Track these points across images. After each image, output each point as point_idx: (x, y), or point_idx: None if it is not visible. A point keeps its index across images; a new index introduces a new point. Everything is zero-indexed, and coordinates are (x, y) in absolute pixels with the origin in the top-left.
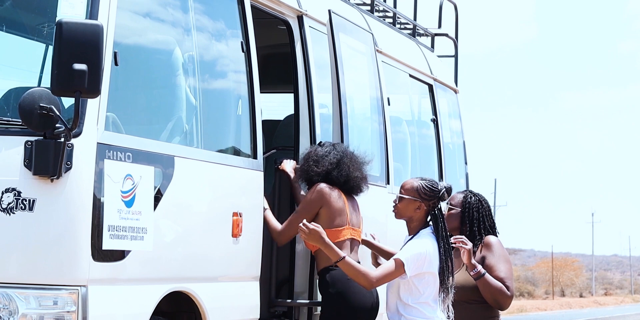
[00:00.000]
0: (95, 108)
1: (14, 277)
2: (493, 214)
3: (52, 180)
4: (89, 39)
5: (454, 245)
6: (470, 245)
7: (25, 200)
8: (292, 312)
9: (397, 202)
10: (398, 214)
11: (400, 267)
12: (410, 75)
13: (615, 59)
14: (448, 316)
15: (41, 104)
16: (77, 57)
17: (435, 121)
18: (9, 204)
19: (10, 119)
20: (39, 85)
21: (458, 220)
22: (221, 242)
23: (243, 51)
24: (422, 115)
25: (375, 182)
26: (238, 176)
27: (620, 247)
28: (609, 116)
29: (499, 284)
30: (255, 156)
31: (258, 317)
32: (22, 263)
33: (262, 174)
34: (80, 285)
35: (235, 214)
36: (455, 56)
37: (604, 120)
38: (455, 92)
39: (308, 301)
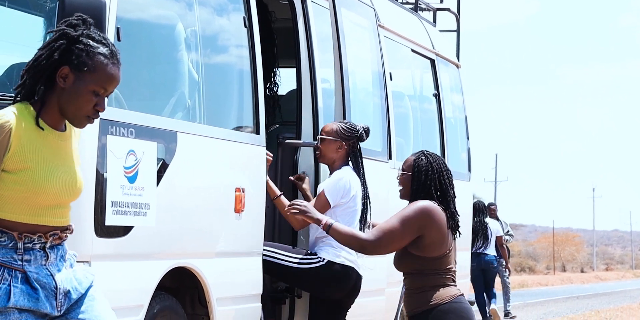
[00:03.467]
0: None
1: None
2: (450, 176)
3: None
4: (91, 14)
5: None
6: (303, 207)
7: None
8: (294, 288)
9: (319, 144)
10: (321, 157)
11: (322, 198)
12: (412, 50)
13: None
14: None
15: None
16: None
17: (437, 96)
18: None
19: (12, 95)
20: None
21: (409, 185)
22: (224, 218)
23: (245, 26)
24: (424, 90)
25: (377, 157)
26: (240, 152)
27: (621, 222)
28: (610, 91)
29: (349, 232)
30: (257, 131)
31: (261, 292)
32: None
33: (264, 149)
34: (83, 261)
35: (237, 190)
36: (457, 31)
37: (605, 95)
38: (457, 67)
39: None
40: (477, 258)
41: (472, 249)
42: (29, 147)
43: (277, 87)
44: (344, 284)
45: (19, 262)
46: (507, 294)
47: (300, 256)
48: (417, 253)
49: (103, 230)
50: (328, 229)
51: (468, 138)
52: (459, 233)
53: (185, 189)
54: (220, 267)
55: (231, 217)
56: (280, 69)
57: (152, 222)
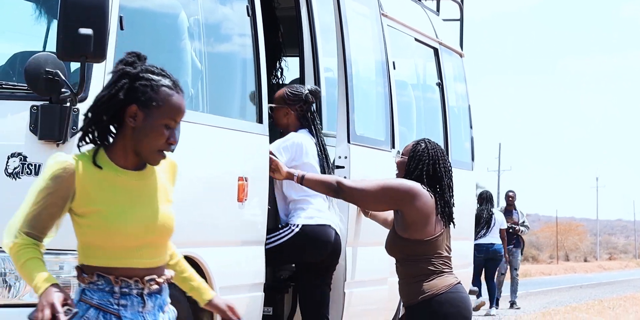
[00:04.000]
0: (101, 73)
1: None
2: (446, 166)
3: (57, 145)
4: (94, 3)
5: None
6: (273, 166)
7: (31, 165)
8: (296, 276)
9: (270, 113)
10: (276, 124)
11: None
12: (416, 39)
13: (617, 24)
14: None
15: (47, 69)
16: (83, 22)
17: (440, 85)
18: (15, 168)
19: (15, 84)
20: (44, 49)
21: (404, 169)
22: (227, 207)
23: (249, 15)
24: (428, 79)
25: (380, 146)
26: (243, 141)
27: (624, 211)
28: (613, 81)
29: (322, 179)
30: (260, 120)
31: (263, 281)
32: None
33: (267, 138)
34: None
35: (240, 179)
36: (461, 20)
37: (607, 84)
38: (461, 56)
39: None
40: (484, 247)
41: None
42: (95, 189)
43: (283, 76)
44: (323, 244)
45: (115, 306)
46: (514, 285)
47: (276, 233)
48: (403, 235)
49: None
50: (302, 180)
51: (471, 127)
52: (454, 223)
53: (187, 178)
54: (223, 256)
55: (234, 206)
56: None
57: None
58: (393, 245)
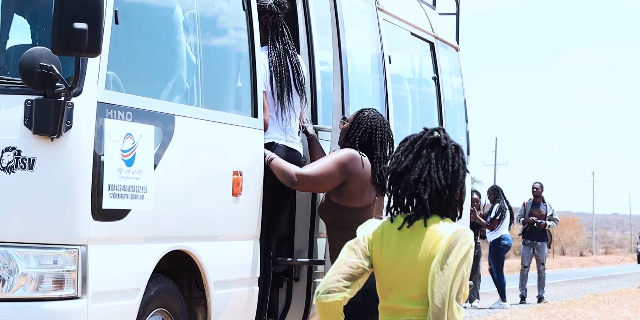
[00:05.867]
0: (95, 67)
1: (13, 236)
2: (384, 136)
3: (52, 140)
4: None
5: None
6: None
7: (25, 159)
8: (292, 271)
9: None
10: None
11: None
12: (412, 33)
13: (615, 17)
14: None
15: (41, 63)
16: (78, 16)
17: (436, 79)
18: (9, 163)
19: (10, 78)
20: (38, 44)
21: (344, 133)
22: (221, 201)
23: (244, 9)
24: (423, 73)
25: None
26: (238, 135)
27: (620, 205)
28: (610, 74)
29: (286, 165)
30: (255, 115)
31: (258, 275)
32: (22, 222)
33: (262, 132)
34: (80, 245)
35: (235, 173)
36: (457, 14)
37: (605, 78)
38: (457, 50)
39: (308, 260)
40: (499, 239)
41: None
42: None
43: None
44: None
45: None
46: (541, 280)
47: None
48: (337, 201)
49: (100, 213)
50: (269, 162)
51: (467, 121)
52: (386, 193)
53: (182, 172)
54: (218, 250)
55: (229, 201)
56: None
57: (150, 206)
58: (326, 210)
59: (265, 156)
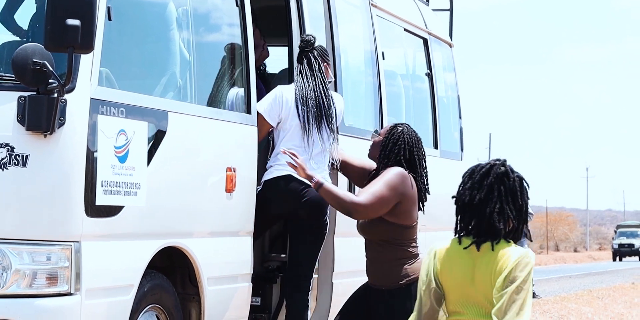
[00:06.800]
0: (88, 63)
1: (7, 233)
2: (418, 151)
3: (45, 136)
4: None
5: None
6: (301, 158)
7: (19, 156)
8: (285, 267)
9: None
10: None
11: (261, 119)
12: (405, 29)
13: (610, 14)
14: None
15: (34, 60)
16: (71, 13)
17: (429, 75)
18: (2, 159)
19: (3, 74)
20: (31, 40)
21: (378, 149)
22: (215, 197)
23: (237, 5)
24: (417, 69)
25: (369, 136)
26: (232, 131)
27: (614, 201)
28: (605, 71)
29: (340, 192)
30: (249, 111)
31: (251, 271)
32: (15, 219)
33: (256, 129)
34: (73, 241)
35: (229, 169)
36: (450, 10)
37: (599, 75)
38: (450, 46)
39: None
40: None
41: None
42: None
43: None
44: (282, 194)
45: None
46: None
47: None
48: (393, 220)
49: (93, 209)
50: (318, 187)
51: (460, 117)
52: (424, 209)
53: (176, 168)
54: (211, 246)
55: (222, 197)
56: (272, 48)
57: (143, 202)
58: (377, 229)
59: (312, 179)
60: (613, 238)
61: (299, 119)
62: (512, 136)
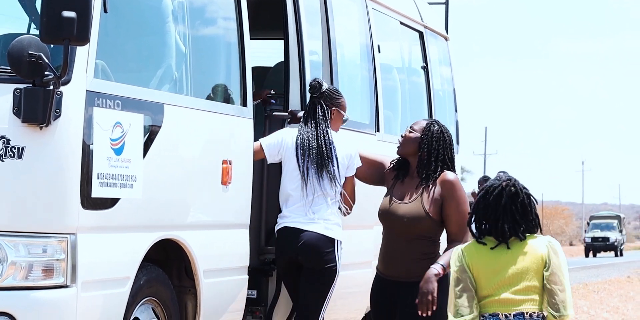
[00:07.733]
0: (84, 56)
1: (2, 225)
2: (454, 150)
3: (41, 128)
4: None
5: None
6: (429, 296)
7: (14, 148)
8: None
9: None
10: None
11: (260, 150)
12: (401, 23)
13: (606, 7)
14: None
15: (30, 52)
16: (66, 5)
17: (425, 68)
18: None
19: None
20: (27, 32)
21: (416, 145)
22: (211, 190)
23: None
24: (413, 62)
25: (365, 129)
26: (228, 124)
27: (610, 195)
28: (600, 65)
29: (448, 254)
30: (245, 104)
31: (247, 264)
32: (11, 211)
33: (252, 121)
34: (69, 233)
35: (225, 162)
36: (446, 3)
37: (595, 68)
38: (446, 39)
39: None
40: None
41: None
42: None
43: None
44: (279, 245)
45: None
46: None
47: None
48: (435, 216)
49: (89, 202)
50: (439, 274)
51: (456, 111)
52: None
53: (172, 161)
54: (207, 239)
55: (218, 189)
56: (268, 41)
57: (139, 194)
58: (421, 225)
59: (439, 272)
60: (585, 231)
61: (299, 169)
62: (508, 129)
